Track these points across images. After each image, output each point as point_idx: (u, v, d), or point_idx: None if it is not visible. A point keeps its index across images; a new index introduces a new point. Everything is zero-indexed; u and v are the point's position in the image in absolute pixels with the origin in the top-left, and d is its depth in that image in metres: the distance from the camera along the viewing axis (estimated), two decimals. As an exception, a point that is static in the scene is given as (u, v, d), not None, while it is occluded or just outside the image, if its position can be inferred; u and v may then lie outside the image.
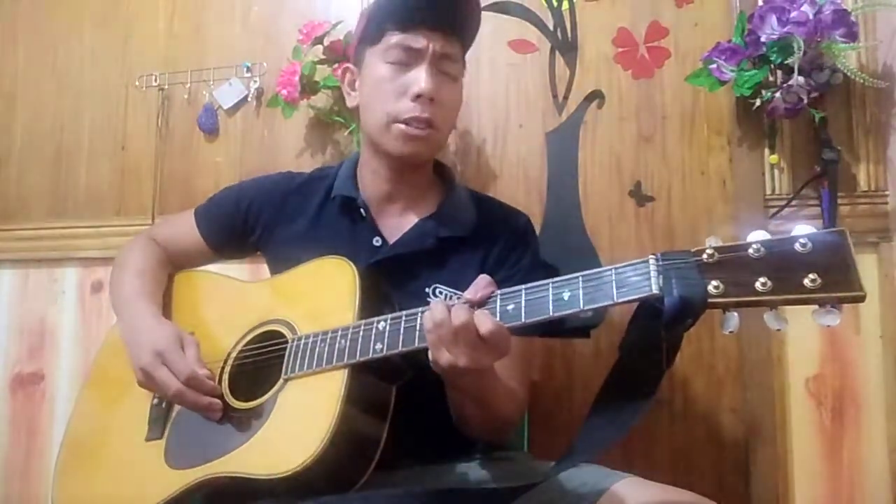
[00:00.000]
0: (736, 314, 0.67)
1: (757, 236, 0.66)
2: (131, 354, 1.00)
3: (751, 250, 0.65)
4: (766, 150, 1.45)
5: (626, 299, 0.70)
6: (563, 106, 1.57)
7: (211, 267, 1.22)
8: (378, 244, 1.06)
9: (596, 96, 1.56)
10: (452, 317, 0.77)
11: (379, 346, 0.84)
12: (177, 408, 1.00)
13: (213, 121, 1.74)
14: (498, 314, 0.78)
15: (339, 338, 0.88)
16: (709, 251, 0.66)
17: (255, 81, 1.72)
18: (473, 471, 0.96)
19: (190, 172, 1.75)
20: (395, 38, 1.01)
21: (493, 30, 1.57)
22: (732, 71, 1.38)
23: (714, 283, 0.65)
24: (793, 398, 1.40)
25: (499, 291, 0.80)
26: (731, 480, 1.40)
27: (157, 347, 0.96)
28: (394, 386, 0.89)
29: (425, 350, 0.81)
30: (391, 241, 1.06)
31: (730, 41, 1.41)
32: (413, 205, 1.09)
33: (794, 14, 1.30)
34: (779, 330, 0.66)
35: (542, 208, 1.54)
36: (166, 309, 1.11)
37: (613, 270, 0.72)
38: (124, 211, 1.78)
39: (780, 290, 0.63)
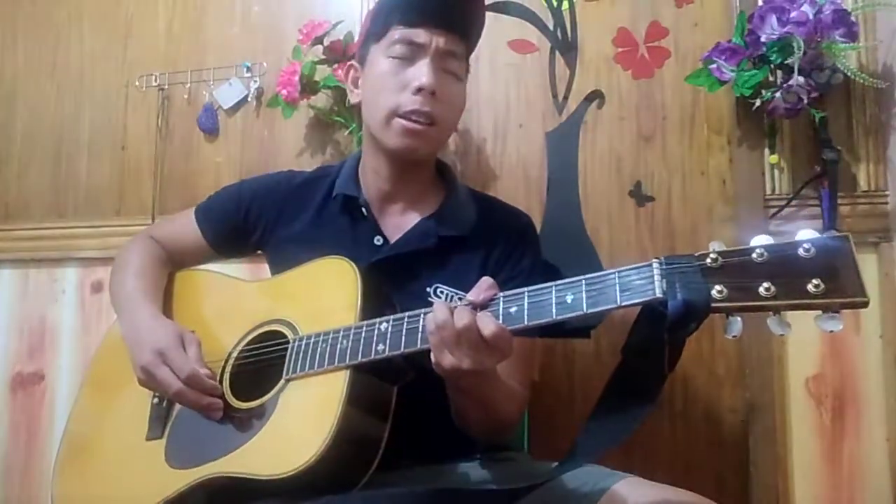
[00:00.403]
0: (739, 319, 0.66)
1: (760, 241, 0.66)
2: (132, 353, 0.99)
3: (754, 255, 0.65)
4: (766, 150, 1.45)
5: (629, 303, 0.70)
6: (563, 106, 1.57)
7: (211, 266, 1.22)
8: (379, 243, 1.06)
9: (596, 96, 1.56)
10: (455, 319, 0.77)
11: (381, 346, 0.84)
12: (177, 407, 1.00)
13: (213, 121, 1.74)
14: (501, 316, 0.78)
15: (340, 338, 0.88)
16: (712, 255, 0.66)
17: (255, 81, 1.72)
18: (474, 471, 0.96)
19: (190, 172, 1.75)
20: (398, 32, 1.01)
21: (493, 30, 1.57)
22: (732, 71, 1.39)
23: (718, 287, 0.65)
24: (793, 398, 1.40)
25: (501, 294, 0.80)
26: (731, 480, 1.40)
27: (158, 346, 0.96)
28: (395, 387, 0.89)
29: (427, 351, 0.81)
30: (392, 240, 1.06)
31: (730, 41, 1.41)
32: (414, 204, 1.09)
33: (794, 14, 1.30)
34: (782, 335, 0.66)
35: (542, 208, 1.54)
36: (166, 308, 1.11)
37: (617, 274, 0.72)
38: (124, 211, 1.78)
39: (784, 295, 0.63)
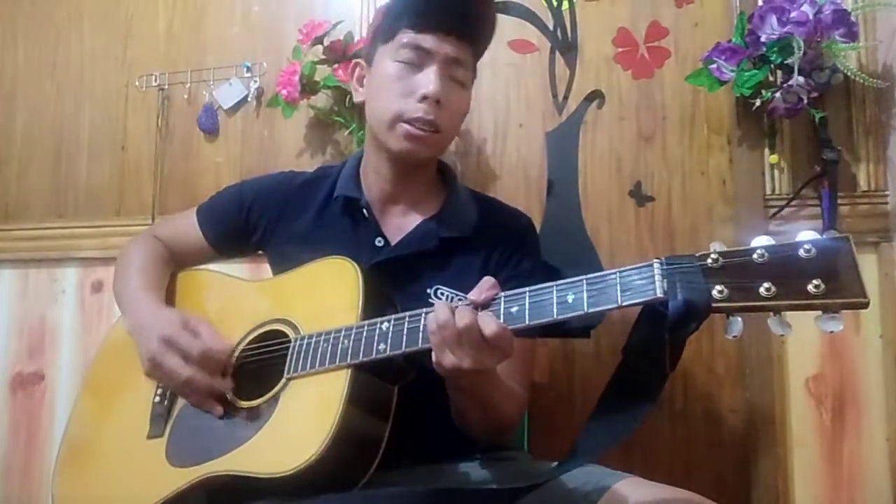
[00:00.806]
0: (740, 319, 0.67)
1: (761, 241, 0.66)
2: (139, 346, 0.99)
3: (755, 255, 0.65)
4: (766, 150, 1.45)
5: (630, 303, 0.70)
6: (563, 106, 1.58)
7: (213, 266, 1.22)
8: (380, 244, 1.06)
9: (596, 96, 1.56)
10: (457, 318, 0.77)
11: (382, 346, 0.84)
12: (179, 405, 1.00)
13: (213, 121, 1.74)
14: (502, 316, 0.78)
15: (342, 338, 0.88)
16: (713, 256, 0.66)
17: (255, 81, 1.72)
18: (474, 471, 0.96)
19: (190, 172, 1.75)
20: (407, 37, 1.00)
21: (494, 30, 1.57)
22: (732, 71, 1.39)
23: (718, 287, 0.65)
24: (793, 398, 1.40)
25: (503, 293, 0.80)
26: (731, 480, 1.40)
27: (164, 333, 0.96)
28: (396, 386, 0.89)
29: (428, 351, 0.81)
30: (393, 241, 1.06)
31: (730, 41, 1.41)
32: (415, 205, 1.09)
33: (794, 14, 1.30)
34: (782, 336, 0.66)
35: (542, 208, 1.54)
36: (169, 306, 1.11)
37: (618, 274, 0.72)
38: (124, 211, 1.78)
39: (785, 295, 0.63)
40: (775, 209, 1.42)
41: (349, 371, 0.85)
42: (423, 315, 0.82)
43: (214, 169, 1.74)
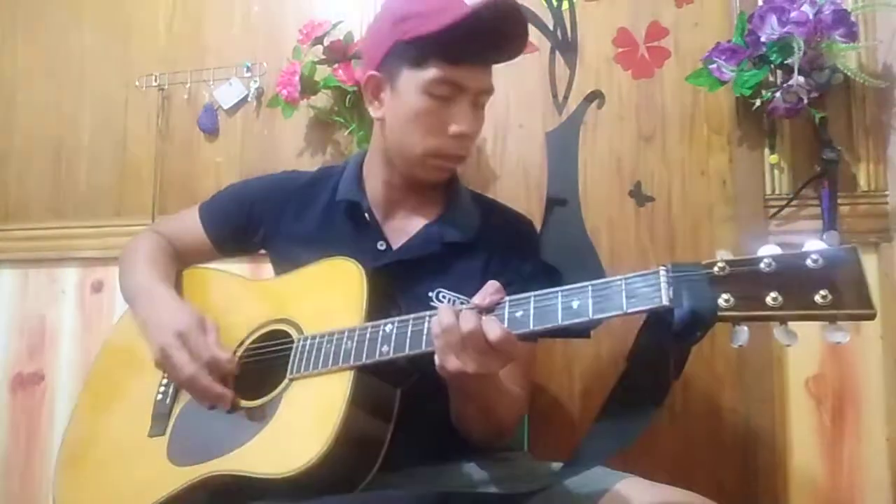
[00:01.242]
0: (746, 328, 0.66)
1: (768, 250, 0.66)
2: (151, 334, 0.99)
3: (762, 264, 0.65)
4: (766, 150, 1.45)
5: (635, 310, 0.70)
6: (563, 106, 1.57)
7: (217, 264, 1.22)
8: (382, 248, 1.06)
9: (596, 96, 1.56)
10: (461, 322, 0.77)
11: (385, 348, 0.84)
12: (181, 404, 1.00)
13: (213, 121, 1.74)
14: (506, 321, 0.78)
15: (345, 339, 0.88)
16: (720, 264, 0.66)
17: (255, 81, 1.72)
18: (475, 472, 0.96)
19: (190, 172, 1.75)
20: (441, 72, 0.96)
21: (493, 30, 1.57)
22: (732, 71, 1.39)
23: (725, 296, 0.65)
24: (793, 398, 1.40)
25: (507, 298, 0.80)
26: (731, 480, 1.40)
27: (180, 328, 0.95)
28: (398, 389, 0.89)
29: (431, 354, 0.81)
30: (395, 245, 1.06)
31: (730, 41, 1.41)
32: (418, 209, 1.09)
33: (794, 14, 1.30)
34: (788, 346, 0.66)
35: (541, 208, 1.54)
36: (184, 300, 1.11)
37: (623, 280, 0.72)
38: (124, 211, 1.78)
39: (791, 305, 0.63)
40: (775, 209, 1.42)
41: (352, 373, 0.85)
42: (427, 318, 0.82)
43: (214, 169, 1.74)
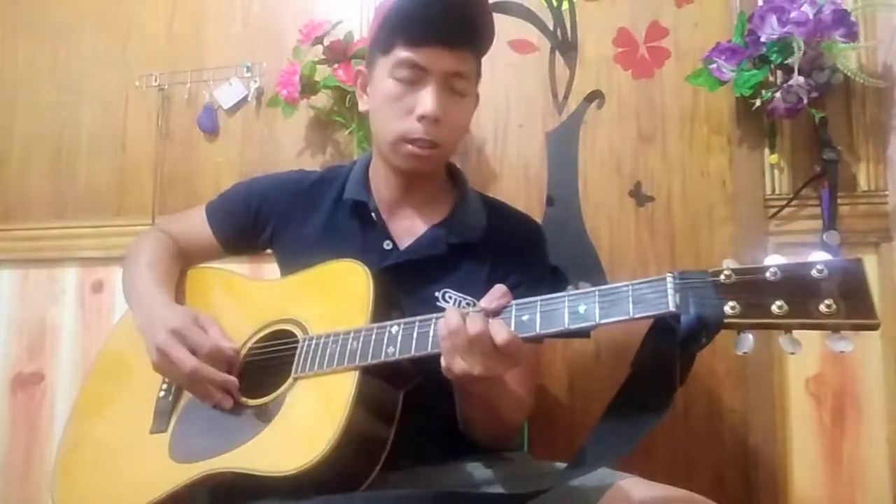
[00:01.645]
0: (750, 335, 0.67)
1: (774, 260, 0.67)
2: (147, 338, 0.99)
3: (768, 273, 0.66)
4: (766, 150, 1.45)
5: (642, 315, 0.71)
6: (563, 106, 1.57)
7: (221, 264, 1.23)
8: (389, 248, 1.06)
9: (596, 96, 1.56)
10: (468, 325, 0.77)
11: (391, 349, 0.84)
12: (183, 401, 1.00)
13: (213, 121, 1.74)
14: (513, 324, 0.78)
15: (351, 339, 0.88)
16: (726, 272, 0.67)
17: (255, 81, 1.72)
18: (476, 471, 0.96)
19: (190, 172, 1.75)
20: (402, 53, 0.98)
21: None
22: (732, 71, 1.39)
23: (731, 303, 0.66)
24: (793, 398, 1.40)
25: (514, 302, 0.80)
26: (731, 480, 1.40)
27: (174, 325, 0.96)
28: (402, 391, 0.89)
29: (437, 356, 0.81)
30: (402, 245, 1.06)
31: (730, 41, 1.41)
32: (424, 209, 1.09)
33: (794, 14, 1.30)
34: (792, 353, 0.66)
35: (542, 208, 1.54)
36: (178, 303, 1.11)
37: (630, 286, 0.73)
38: (124, 211, 1.78)
39: (796, 314, 0.64)
40: (775, 209, 1.42)
41: (357, 373, 0.85)
42: (434, 320, 0.83)
43: (214, 169, 1.74)
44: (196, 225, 1.19)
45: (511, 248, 1.08)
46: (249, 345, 1.01)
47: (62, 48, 1.88)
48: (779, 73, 1.39)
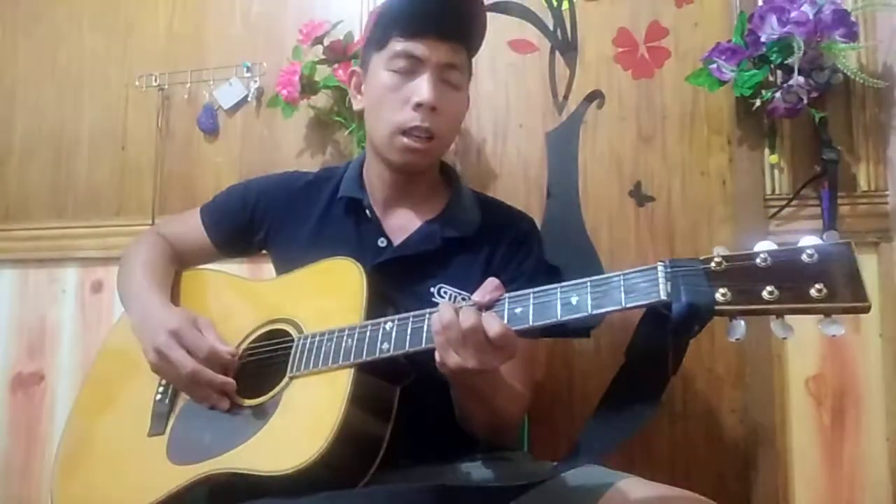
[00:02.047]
0: (742, 322, 0.67)
1: (764, 246, 0.67)
2: (144, 340, 0.99)
3: (758, 259, 0.66)
4: (766, 150, 1.45)
5: (634, 305, 0.70)
6: (563, 106, 1.57)
7: (216, 266, 1.23)
8: (383, 245, 1.06)
9: (596, 96, 1.56)
10: (461, 319, 0.77)
11: (385, 346, 0.85)
12: (180, 403, 1.00)
13: (213, 121, 1.74)
14: (506, 317, 0.78)
15: (345, 337, 0.88)
16: (717, 259, 0.67)
17: (255, 81, 1.72)
18: (475, 471, 0.96)
19: (190, 172, 1.75)
20: (398, 45, 1.01)
21: (493, 30, 1.54)
22: (732, 71, 1.38)
23: (722, 290, 0.66)
24: (793, 398, 1.40)
25: (507, 295, 0.80)
26: (731, 480, 1.40)
27: (172, 327, 0.96)
28: (398, 387, 0.89)
29: (431, 352, 0.81)
30: (396, 242, 1.07)
31: (730, 41, 1.41)
32: (418, 206, 1.10)
33: (794, 14, 1.30)
34: (784, 338, 0.66)
35: (542, 208, 1.54)
36: (174, 305, 1.11)
37: (622, 276, 0.72)
38: (124, 211, 1.78)
39: (787, 299, 0.64)
40: (775, 209, 1.42)
41: (352, 371, 0.86)
42: (427, 316, 0.83)
43: (214, 169, 1.74)
44: (191, 227, 1.20)
45: (506, 243, 1.08)
46: (245, 345, 1.01)
47: (62, 48, 1.88)
48: (779, 73, 1.38)
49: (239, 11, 1.78)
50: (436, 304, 0.82)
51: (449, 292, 1.01)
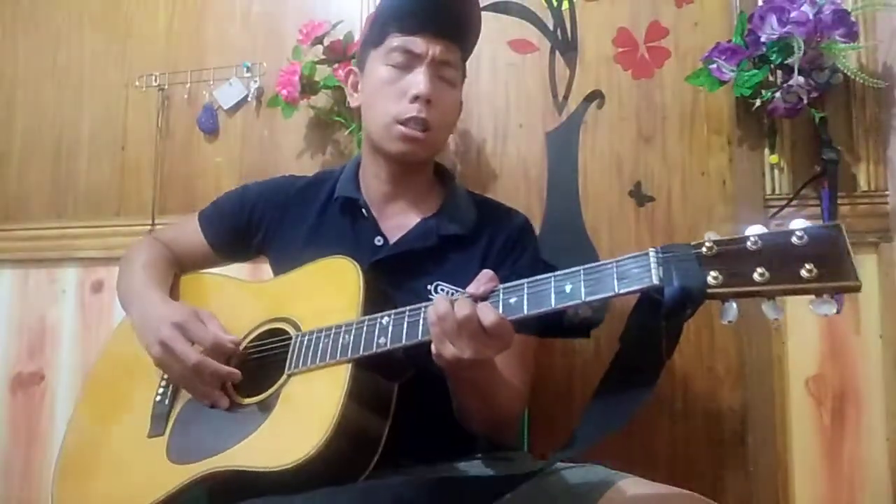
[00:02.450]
0: (734, 304, 0.68)
1: (754, 230, 0.68)
2: (147, 335, 1.00)
3: (749, 243, 0.66)
4: (766, 150, 1.45)
5: (627, 290, 0.71)
6: (563, 106, 1.57)
7: (214, 269, 1.23)
8: (380, 243, 1.07)
9: (596, 96, 1.56)
10: (456, 309, 0.78)
11: (382, 340, 0.85)
12: (180, 403, 1.00)
13: (213, 121, 1.74)
14: (501, 307, 0.79)
15: (342, 333, 0.89)
16: (708, 244, 0.68)
17: (255, 81, 1.72)
18: (474, 469, 0.96)
19: (190, 172, 1.75)
20: (396, 40, 1.04)
21: (493, 30, 1.57)
22: (732, 71, 1.38)
23: (713, 273, 0.66)
24: (793, 398, 1.40)
25: (501, 286, 0.81)
26: (731, 480, 1.40)
27: (176, 319, 0.97)
28: (396, 384, 0.89)
29: (428, 345, 0.82)
30: (392, 240, 1.08)
31: (730, 41, 1.41)
32: (414, 205, 1.11)
33: (794, 14, 1.30)
34: (776, 319, 0.67)
35: (542, 208, 1.54)
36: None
37: (615, 263, 0.73)
38: (124, 211, 1.78)
39: (778, 280, 0.64)
40: (775, 209, 1.42)
41: (349, 366, 0.86)
42: (423, 309, 0.83)
43: (214, 169, 1.74)
44: (189, 232, 1.21)
45: (501, 239, 1.10)
46: (244, 344, 1.01)
47: (62, 48, 1.88)
48: (779, 73, 1.38)
49: (239, 11, 1.78)
50: (432, 301, 0.82)
51: (446, 289, 1.02)
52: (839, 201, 1.36)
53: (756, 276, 0.64)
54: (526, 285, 0.78)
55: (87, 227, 1.78)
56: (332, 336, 0.89)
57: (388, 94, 1.05)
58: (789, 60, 1.32)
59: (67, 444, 1.07)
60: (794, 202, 1.41)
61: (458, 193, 1.15)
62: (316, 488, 0.80)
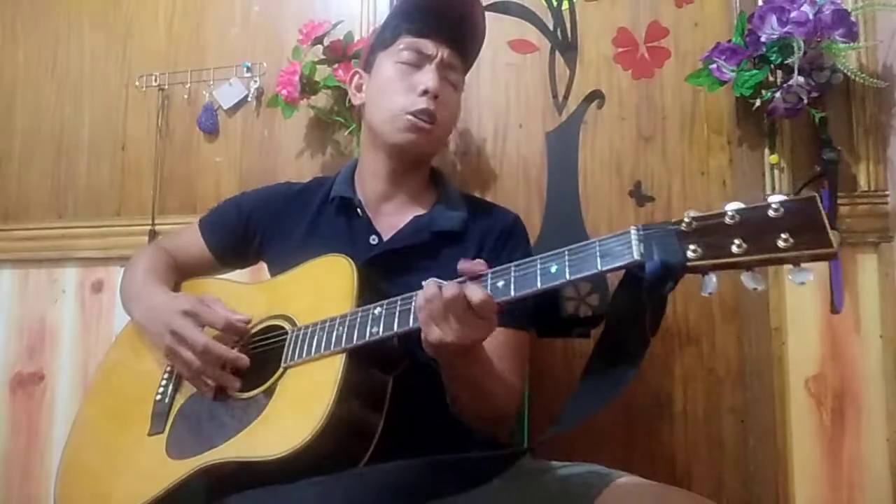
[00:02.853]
0: (714, 276, 0.69)
1: (732, 206, 0.69)
2: (155, 327, 1.03)
3: (727, 217, 0.68)
4: (766, 150, 1.45)
5: (609, 267, 0.73)
6: (563, 106, 1.58)
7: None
8: (375, 242, 1.10)
9: (596, 96, 1.56)
10: (444, 291, 0.80)
11: (375, 329, 0.87)
12: (179, 401, 1.02)
13: (213, 121, 1.74)
14: (489, 289, 0.80)
15: (336, 325, 0.90)
16: (687, 220, 0.70)
17: (255, 81, 1.72)
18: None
19: (190, 172, 1.76)
20: (407, 41, 1.11)
21: (494, 30, 1.56)
22: (732, 71, 1.39)
23: (692, 247, 0.68)
24: (793, 398, 1.40)
25: (489, 270, 0.82)
26: (731, 480, 1.40)
27: (185, 308, 1.00)
28: (391, 376, 0.90)
29: (419, 331, 0.83)
30: (387, 238, 1.10)
31: (730, 41, 1.41)
32: (408, 204, 1.14)
33: (794, 14, 1.30)
34: (755, 289, 0.68)
35: (542, 208, 1.54)
36: None
37: (598, 242, 0.75)
38: (124, 211, 1.78)
39: (755, 250, 0.66)
40: (775, 209, 1.42)
41: (343, 356, 0.87)
42: (415, 297, 0.85)
43: (214, 169, 1.74)
44: (190, 239, 1.23)
45: (493, 237, 1.12)
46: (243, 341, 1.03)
47: (62, 48, 1.88)
48: (779, 73, 1.38)
49: (239, 11, 1.78)
50: None
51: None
52: (839, 201, 1.36)
53: (734, 248, 0.66)
54: (513, 268, 0.80)
55: (87, 227, 1.78)
56: (326, 328, 0.91)
57: (398, 88, 1.09)
58: (789, 60, 1.32)
59: (70, 446, 1.08)
60: (794, 202, 1.41)
61: (451, 193, 1.18)
62: (314, 476, 0.80)
